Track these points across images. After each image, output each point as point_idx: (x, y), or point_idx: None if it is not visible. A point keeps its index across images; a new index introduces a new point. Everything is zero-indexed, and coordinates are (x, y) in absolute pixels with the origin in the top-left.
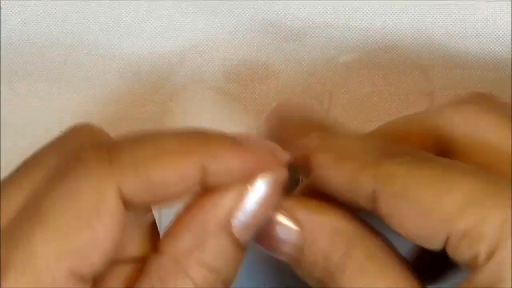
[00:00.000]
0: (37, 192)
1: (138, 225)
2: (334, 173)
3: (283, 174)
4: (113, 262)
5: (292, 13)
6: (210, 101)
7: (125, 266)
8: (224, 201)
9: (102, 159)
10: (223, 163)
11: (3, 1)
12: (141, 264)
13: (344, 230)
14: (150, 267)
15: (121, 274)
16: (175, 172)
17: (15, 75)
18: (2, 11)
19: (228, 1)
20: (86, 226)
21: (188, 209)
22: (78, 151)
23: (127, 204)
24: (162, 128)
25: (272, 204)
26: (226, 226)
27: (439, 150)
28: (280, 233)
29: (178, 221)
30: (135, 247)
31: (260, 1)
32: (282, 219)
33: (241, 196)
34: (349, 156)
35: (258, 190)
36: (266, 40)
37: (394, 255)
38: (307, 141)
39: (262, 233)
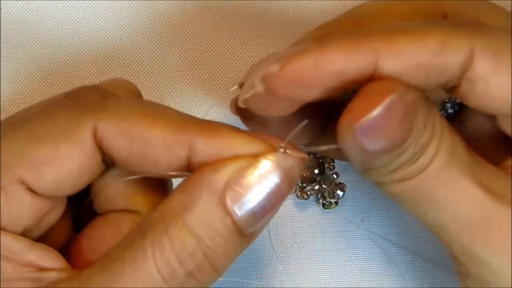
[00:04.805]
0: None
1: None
2: (414, 51)
3: (294, 165)
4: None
5: (292, 13)
6: (210, 101)
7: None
8: (223, 170)
9: (93, 98)
10: (213, 145)
11: (3, 1)
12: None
13: (429, 104)
14: (141, 222)
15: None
16: (160, 137)
17: (15, 75)
18: (2, 11)
19: (228, 1)
20: (51, 142)
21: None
22: (78, 88)
23: (104, 148)
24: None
25: (278, 193)
26: (220, 195)
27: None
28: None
29: (181, 183)
30: (141, 202)
31: (260, 1)
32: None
33: (241, 170)
34: (424, 30)
35: (262, 168)
36: (266, 40)
37: None
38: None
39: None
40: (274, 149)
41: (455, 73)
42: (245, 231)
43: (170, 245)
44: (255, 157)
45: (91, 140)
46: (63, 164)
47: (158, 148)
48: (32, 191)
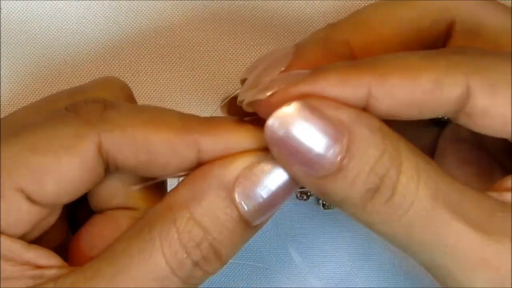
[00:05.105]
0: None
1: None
2: (407, 90)
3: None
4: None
5: (292, 13)
6: (210, 101)
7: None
8: (233, 165)
9: (94, 112)
10: (218, 145)
11: (3, 1)
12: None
13: (388, 132)
14: (146, 213)
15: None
16: (166, 143)
17: (15, 75)
18: (2, 11)
19: (228, 1)
20: (53, 154)
21: (201, 166)
22: (78, 102)
23: (110, 159)
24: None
25: (286, 189)
26: (228, 189)
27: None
28: (326, 137)
29: (189, 175)
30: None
31: (260, 1)
32: (325, 122)
33: (251, 165)
34: (418, 66)
35: (271, 164)
36: (266, 40)
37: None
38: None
39: (293, 151)
40: None
41: (450, 109)
42: (251, 224)
43: (178, 237)
44: (265, 151)
45: (94, 153)
46: (64, 176)
47: (165, 153)
48: (31, 199)
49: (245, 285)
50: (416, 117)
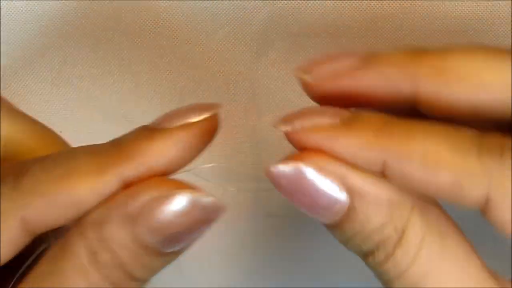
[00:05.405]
0: None
1: None
2: (423, 183)
3: (210, 200)
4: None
5: (292, 13)
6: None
7: None
8: (140, 195)
9: (7, 184)
10: (141, 168)
11: (3, 1)
12: None
13: (403, 203)
14: (65, 235)
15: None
16: (90, 191)
17: (15, 75)
18: (2, 11)
19: (228, 1)
20: None
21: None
22: None
23: (37, 228)
24: (77, 147)
25: (195, 227)
26: (132, 220)
27: None
28: (326, 198)
29: (105, 199)
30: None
31: (260, 1)
32: (329, 183)
33: (157, 199)
34: (444, 159)
35: (176, 204)
36: (266, 41)
37: (459, 233)
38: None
39: (304, 195)
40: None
41: (467, 207)
42: (162, 252)
43: (89, 258)
44: (176, 186)
45: (18, 230)
46: None
47: (91, 200)
48: None
49: (244, 285)
50: (432, 196)
